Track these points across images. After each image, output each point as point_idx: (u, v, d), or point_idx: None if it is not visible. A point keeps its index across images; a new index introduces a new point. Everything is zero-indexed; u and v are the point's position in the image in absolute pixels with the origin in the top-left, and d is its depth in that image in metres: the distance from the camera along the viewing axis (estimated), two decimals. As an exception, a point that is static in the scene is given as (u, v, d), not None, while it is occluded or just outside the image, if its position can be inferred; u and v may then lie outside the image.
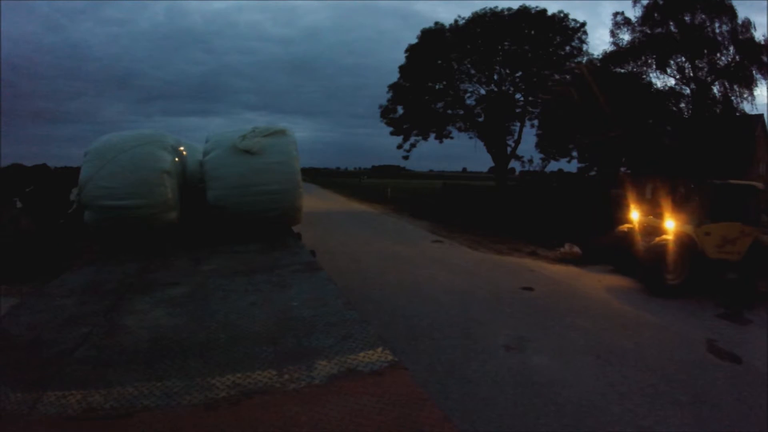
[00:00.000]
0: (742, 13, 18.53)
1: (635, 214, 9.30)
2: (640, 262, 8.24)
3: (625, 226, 9.37)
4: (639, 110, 18.41)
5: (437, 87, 26.55)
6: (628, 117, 18.33)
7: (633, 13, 19.81)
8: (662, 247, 7.81)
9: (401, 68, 26.66)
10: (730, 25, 17.83)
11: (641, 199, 9.77)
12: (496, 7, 24.88)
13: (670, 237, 7.93)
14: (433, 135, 27.31)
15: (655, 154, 18.56)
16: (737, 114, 18.53)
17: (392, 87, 27.20)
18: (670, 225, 8.17)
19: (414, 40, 26.40)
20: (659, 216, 8.62)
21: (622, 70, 20.06)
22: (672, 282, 7.71)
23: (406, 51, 26.46)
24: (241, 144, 5.37)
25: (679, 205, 8.48)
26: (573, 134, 21.15)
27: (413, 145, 27.75)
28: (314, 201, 23.19)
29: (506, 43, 24.94)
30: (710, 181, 8.53)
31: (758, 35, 17.74)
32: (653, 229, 8.49)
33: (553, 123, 22.24)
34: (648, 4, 19.15)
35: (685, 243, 7.82)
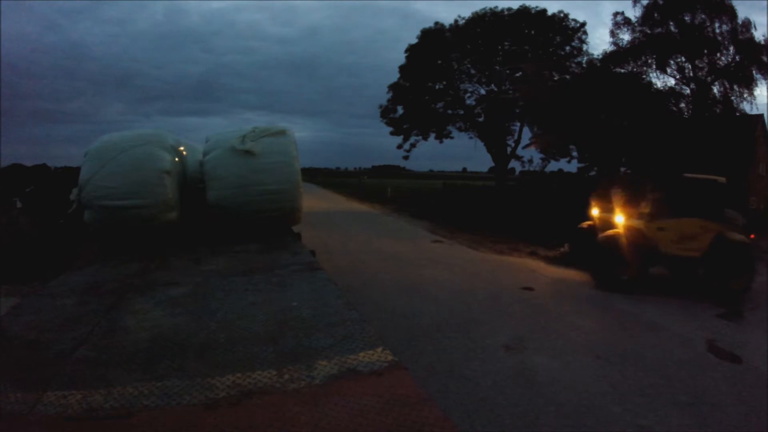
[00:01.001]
0: (742, 13, 18.56)
1: (596, 211, 9.26)
2: (591, 256, 8.26)
3: (585, 223, 9.35)
4: (594, 107, 18.35)
5: (437, 87, 26.55)
6: (582, 114, 18.38)
7: (633, 13, 19.84)
8: (611, 241, 7.79)
9: (401, 68, 26.66)
10: (730, 25, 17.85)
11: (606, 196, 9.70)
12: (496, 7, 24.91)
13: (619, 231, 7.91)
14: (433, 135, 27.31)
15: (616, 149, 18.60)
16: (737, 114, 18.54)
17: (392, 87, 27.21)
18: (620, 219, 8.16)
19: (414, 40, 26.42)
20: (615, 212, 8.59)
21: (622, 70, 20.08)
22: (624, 277, 7.68)
23: (406, 51, 26.48)
24: (241, 144, 5.37)
25: (638, 200, 8.39)
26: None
27: (413, 145, 27.76)
28: (314, 201, 23.18)
29: (506, 43, 24.95)
30: (666, 176, 8.42)
31: (758, 35, 17.77)
32: (608, 225, 8.48)
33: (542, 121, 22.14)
34: (648, 4, 19.18)
35: (635, 238, 7.75)
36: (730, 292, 7.47)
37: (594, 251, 8.18)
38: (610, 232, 8.01)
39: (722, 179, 8.34)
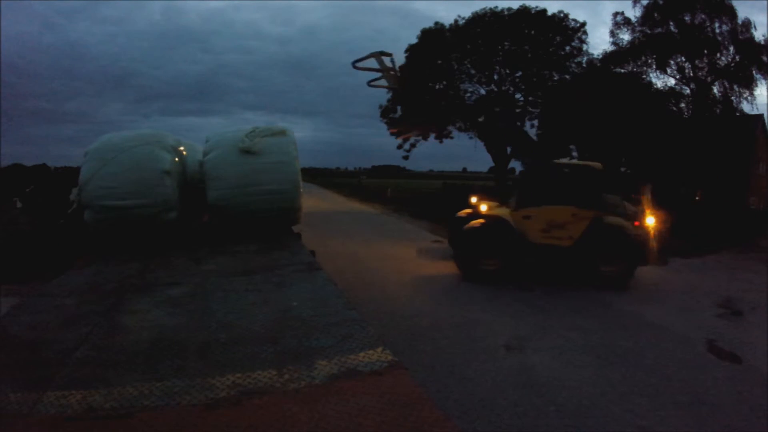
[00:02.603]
0: (742, 13, 18.55)
1: (474, 199, 9.08)
2: (455, 246, 8.05)
3: (463, 211, 9.11)
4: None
5: (437, 87, 26.54)
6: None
7: (633, 13, 19.91)
8: (474, 232, 7.55)
9: (401, 68, 26.61)
10: (730, 25, 17.87)
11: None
12: (496, 7, 24.86)
13: (482, 221, 7.69)
14: (433, 135, 27.26)
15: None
16: (737, 114, 18.55)
17: (392, 87, 27.16)
18: (483, 208, 7.97)
19: (412, 39, 26.41)
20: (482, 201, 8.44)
21: (622, 70, 20.10)
22: (488, 267, 7.51)
23: (406, 51, 26.44)
24: (241, 144, 5.37)
25: (516, 189, 8.22)
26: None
27: (413, 145, 27.70)
28: (314, 201, 23.18)
29: (506, 43, 24.94)
30: (536, 164, 8.15)
31: (758, 35, 17.79)
32: (476, 214, 8.30)
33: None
34: (648, 4, 19.21)
35: (498, 227, 7.53)
36: (603, 278, 7.32)
37: (459, 241, 7.88)
38: (475, 222, 7.76)
39: (598, 165, 8.04)
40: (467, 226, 7.75)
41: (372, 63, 8.49)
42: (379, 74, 8.66)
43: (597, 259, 7.38)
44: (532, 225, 7.56)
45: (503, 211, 7.86)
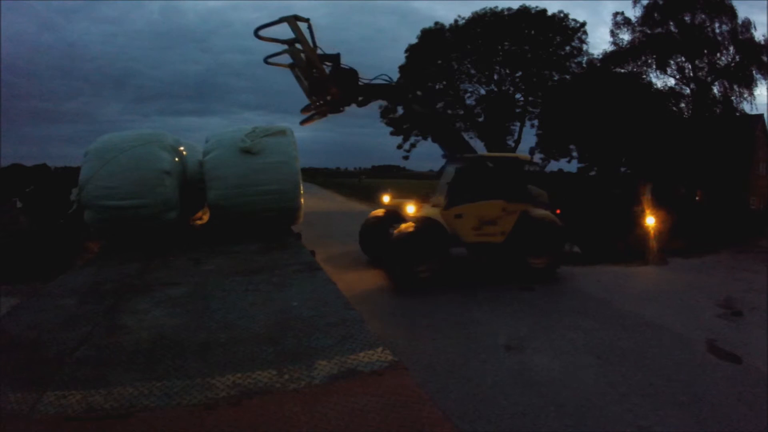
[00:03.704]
0: (742, 13, 18.58)
1: (387, 198, 8.58)
2: (385, 254, 7.34)
3: (378, 212, 8.61)
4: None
5: (437, 87, 26.56)
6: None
7: (633, 13, 19.95)
8: (405, 237, 6.86)
9: (401, 68, 26.68)
10: (730, 25, 17.89)
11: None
12: (496, 7, 24.95)
13: (412, 224, 7.03)
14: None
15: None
16: (737, 114, 18.56)
17: (392, 87, 27.16)
18: (411, 210, 7.48)
19: (412, 39, 26.46)
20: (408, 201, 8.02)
21: (622, 70, 20.11)
22: (424, 274, 6.98)
23: (406, 51, 26.51)
24: (241, 144, 5.37)
25: (441, 186, 7.84)
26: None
27: (413, 145, 27.76)
28: (314, 201, 23.16)
29: (506, 43, 24.98)
30: (464, 158, 7.75)
31: (758, 35, 17.82)
32: (397, 214, 7.85)
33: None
34: (648, 4, 19.23)
35: (431, 229, 7.01)
36: (532, 271, 7.26)
37: (387, 248, 7.15)
38: (404, 226, 7.05)
39: (526, 156, 7.90)
40: (398, 231, 7.02)
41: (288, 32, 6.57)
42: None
43: (526, 252, 7.34)
44: (464, 223, 7.23)
45: (433, 212, 7.40)
